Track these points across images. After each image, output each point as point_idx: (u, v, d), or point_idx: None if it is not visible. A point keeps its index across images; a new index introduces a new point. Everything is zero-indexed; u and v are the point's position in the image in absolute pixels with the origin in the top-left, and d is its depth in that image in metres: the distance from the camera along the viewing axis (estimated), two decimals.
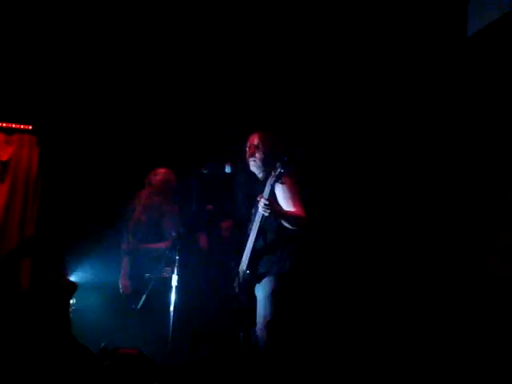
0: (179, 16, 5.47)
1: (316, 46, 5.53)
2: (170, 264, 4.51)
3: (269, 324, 3.88)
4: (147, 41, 5.54)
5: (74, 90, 5.71)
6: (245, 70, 5.65)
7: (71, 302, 4.75)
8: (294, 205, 3.93)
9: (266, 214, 3.82)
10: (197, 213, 4.91)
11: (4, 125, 5.61)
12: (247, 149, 4.16)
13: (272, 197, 3.90)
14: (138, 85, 5.74)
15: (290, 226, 3.93)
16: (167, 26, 5.49)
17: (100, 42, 5.49)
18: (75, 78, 5.65)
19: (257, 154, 4.09)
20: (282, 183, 3.86)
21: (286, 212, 3.91)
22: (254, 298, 4.04)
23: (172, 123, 5.84)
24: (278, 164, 3.81)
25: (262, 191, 3.89)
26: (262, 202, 3.80)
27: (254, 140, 4.12)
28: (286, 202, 3.94)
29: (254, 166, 4.13)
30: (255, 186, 4.17)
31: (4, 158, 5.55)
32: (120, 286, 5.05)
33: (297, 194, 3.98)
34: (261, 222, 3.94)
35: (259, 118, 5.28)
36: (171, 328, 4.21)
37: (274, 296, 3.92)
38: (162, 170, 5.15)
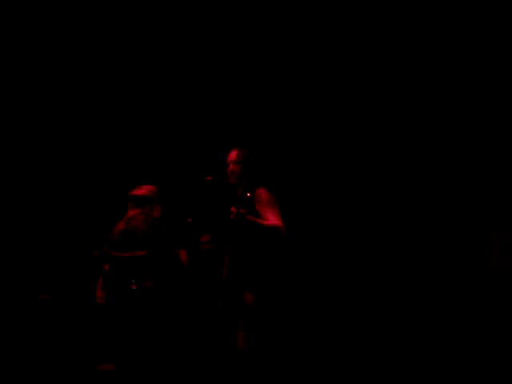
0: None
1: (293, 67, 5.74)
2: (145, 274, 4.60)
3: (252, 332, 4.03)
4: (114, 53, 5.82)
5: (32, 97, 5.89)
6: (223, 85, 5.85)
7: None
8: (271, 216, 4.09)
9: (240, 226, 4.02)
10: (176, 226, 5.07)
11: None
12: (227, 164, 4.37)
13: (249, 209, 4.06)
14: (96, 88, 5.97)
15: (267, 237, 4.08)
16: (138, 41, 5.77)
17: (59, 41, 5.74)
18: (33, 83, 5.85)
19: (235, 169, 4.31)
20: (258, 196, 4.09)
21: (262, 223, 4.06)
22: (235, 309, 4.16)
23: (149, 136, 6.01)
24: (255, 178, 4.13)
25: (237, 204, 4.06)
26: (235, 214, 3.97)
27: (233, 156, 4.34)
28: (263, 214, 4.09)
29: (233, 179, 4.34)
30: (234, 199, 4.31)
31: None
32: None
33: (273, 206, 4.14)
34: (237, 233, 4.13)
35: (239, 132, 5.50)
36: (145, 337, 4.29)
37: (256, 306, 4.05)
38: (144, 186, 5.24)
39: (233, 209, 4.01)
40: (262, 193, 4.13)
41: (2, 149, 5.61)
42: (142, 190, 5.15)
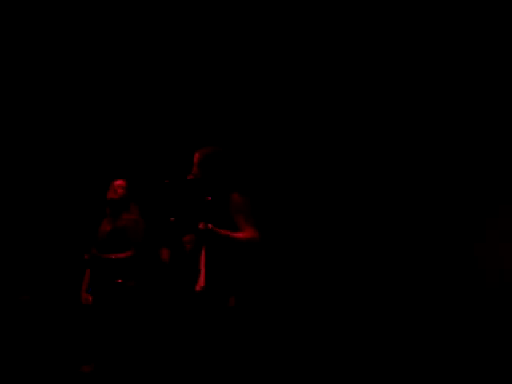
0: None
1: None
2: (131, 274, 4.64)
3: (228, 337, 3.94)
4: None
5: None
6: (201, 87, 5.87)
7: None
8: (246, 226, 3.90)
9: (210, 240, 3.83)
10: (159, 225, 5.11)
11: None
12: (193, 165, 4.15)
13: (221, 215, 3.91)
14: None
15: (241, 249, 3.89)
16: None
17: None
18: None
19: (201, 172, 4.05)
20: (232, 202, 3.88)
21: (234, 237, 3.86)
22: (212, 313, 4.08)
23: (134, 133, 6.02)
24: (225, 181, 3.91)
25: (206, 214, 3.91)
26: (203, 230, 3.78)
27: (198, 157, 4.09)
28: (238, 223, 3.89)
29: (200, 182, 4.08)
30: (206, 203, 4.13)
31: None
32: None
33: (247, 214, 3.95)
34: (208, 245, 4.01)
35: (215, 132, 5.51)
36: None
37: (233, 310, 3.96)
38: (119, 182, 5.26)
39: (201, 225, 3.79)
40: (237, 199, 3.92)
41: None
42: (119, 192, 5.13)
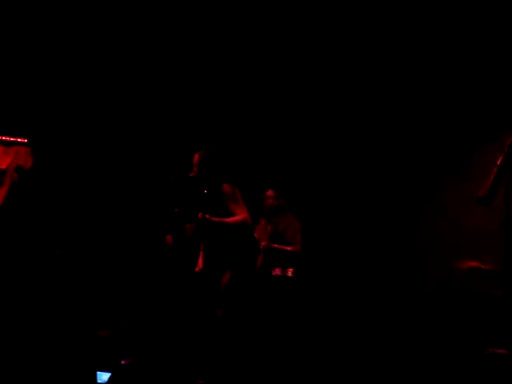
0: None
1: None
2: None
3: (229, 310, 4.55)
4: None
5: (61, 109, 6.30)
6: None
7: None
8: (237, 209, 4.56)
9: (208, 228, 4.51)
10: (165, 215, 5.64)
11: (3, 138, 6.16)
12: (192, 165, 4.79)
13: (216, 204, 4.56)
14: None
15: (235, 230, 4.56)
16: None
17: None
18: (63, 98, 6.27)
19: (200, 170, 4.72)
20: (223, 192, 4.56)
21: (228, 222, 4.51)
22: (212, 291, 4.67)
23: (141, 132, 6.43)
24: (218, 176, 4.59)
25: (204, 204, 4.58)
26: (201, 220, 4.47)
27: (197, 158, 4.75)
28: (229, 208, 4.57)
29: (199, 179, 4.76)
30: (203, 195, 4.81)
31: (3, 167, 6.08)
32: None
33: (238, 200, 4.62)
34: (206, 232, 4.65)
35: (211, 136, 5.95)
36: None
37: (231, 286, 4.56)
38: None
39: (199, 215, 4.50)
40: (227, 189, 4.58)
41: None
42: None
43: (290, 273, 5.47)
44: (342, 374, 4.86)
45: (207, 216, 4.50)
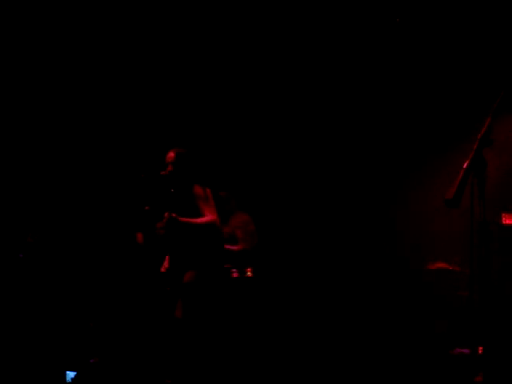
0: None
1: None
2: None
3: (193, 309, 4.48)
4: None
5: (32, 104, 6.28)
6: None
7: None
8: (206, 210, 4.54)
9: (175, 228, 4.48)
10: (135, 213, 5.62)
11: None
12: (166, 163, 4.77)
13: (186, 204, 4.54)
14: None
15: (203, 231, 4.52)
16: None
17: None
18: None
19: (174, 168, 4.70)
20: (194, 192, 4.54)
21: (196, 222, 4.49)
22: (178, 290, 4.62)
23: (114, 130, 6.45)
24: (189, 176, 4.58)
25: (172, 206, 4.56)
26: (168, 219, 4.45)
27: (172, 156, 4.74)
28: (200, 208, 4.54)
29: (172, 177, 4.73)
30: (171, 194, 4.79)
31: None
32: None
33: (208, 200, 4.61)
34: (173, 232, 4.62)
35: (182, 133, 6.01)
36: None
37: (197, 286, 4.51)
38: None
39: (165, 214, 4.47)
40: (198, 189, 4.58)
41: None
42: None
43: (249, 273, 5.47)
44: (305, 373, 4.89)
45: (174, 215, 4.47)
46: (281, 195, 6.19)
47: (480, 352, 3.01)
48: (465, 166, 2.58)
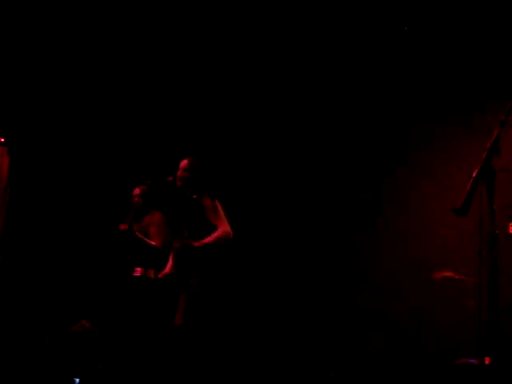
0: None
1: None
2: None
3: (193, 319, 4.43)
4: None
5: (41, 110, 6.33)
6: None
7: None
8: (219, 222, 4.48)
9: (188, 253, 4.41)
10: None
11: None
12: (179, 171, 4.75)
13: (197, 216, 4.50)
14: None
15: (217, 247, 4.44)
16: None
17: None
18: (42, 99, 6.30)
19: (185, 177, 4.68)
20: (204, 204, 4.50)
21: (210, 241, 4.41)
22: (179, 298, 4.54)
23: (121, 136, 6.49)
24: (201, 185, 4.57)
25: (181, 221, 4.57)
26: (181, 246, 4.40)
27: (185, 164, 4.72)
28: (211, 220, 4.48)
29: (183, 186, 4.71)
30: (184, 202, 4.75)
31: None
32: None
33: (219, 212, 4.55)
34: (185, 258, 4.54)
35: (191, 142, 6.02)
36: None
37: (199, 296, 4.44)
38: None
39: (175, 244, 4.44)
40: (207, 200, 4.52)
41: None
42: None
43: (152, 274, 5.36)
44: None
45: (187, 242, 4.42)
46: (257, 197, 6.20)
47: (487, 362, 2.98)
48: (474, 174, 2.58)
